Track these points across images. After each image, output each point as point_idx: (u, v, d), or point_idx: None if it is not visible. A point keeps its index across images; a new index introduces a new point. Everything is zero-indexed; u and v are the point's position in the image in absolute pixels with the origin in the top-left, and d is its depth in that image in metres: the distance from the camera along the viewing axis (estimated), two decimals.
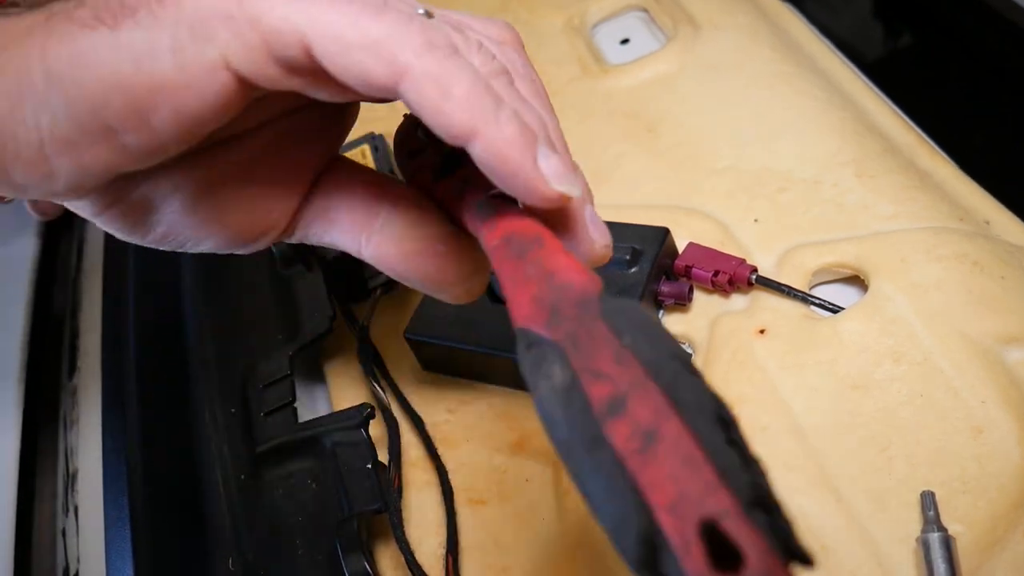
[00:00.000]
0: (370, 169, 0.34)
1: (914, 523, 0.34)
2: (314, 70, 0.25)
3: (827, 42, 0.58)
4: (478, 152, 0.25)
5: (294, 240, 0.33)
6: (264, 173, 0.32)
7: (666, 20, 0.61)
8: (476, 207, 0.28)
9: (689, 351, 0.42)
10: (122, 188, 0.30)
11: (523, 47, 0.32)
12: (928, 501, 0.33)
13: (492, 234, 0.27)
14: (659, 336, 0.22)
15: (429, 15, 0.28)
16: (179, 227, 0.31)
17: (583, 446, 0.21)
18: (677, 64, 0.57)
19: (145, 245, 0.32)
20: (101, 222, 0.31)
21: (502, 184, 0.26)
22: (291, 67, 0.25)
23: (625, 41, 0.62)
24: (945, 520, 0.33)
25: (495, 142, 0.25)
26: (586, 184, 0.30)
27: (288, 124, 0.32)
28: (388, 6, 0.25)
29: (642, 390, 0.21)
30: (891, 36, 0.66)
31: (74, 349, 0.56)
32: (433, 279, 0.32)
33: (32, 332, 0.56)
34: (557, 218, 0.29)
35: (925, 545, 0.32)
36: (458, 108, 0.25)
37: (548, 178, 0.26)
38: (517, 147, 0.25)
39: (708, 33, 0.58)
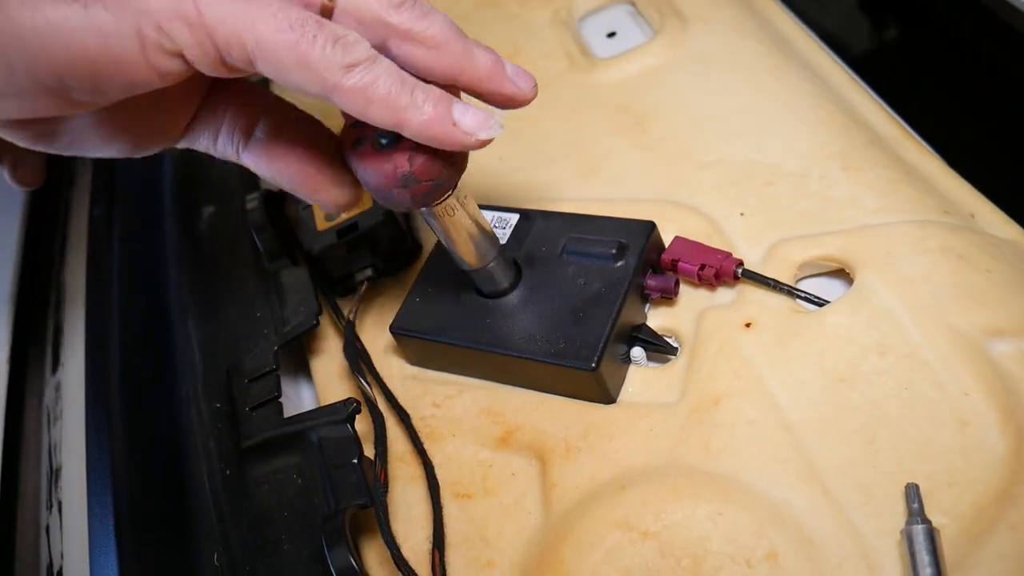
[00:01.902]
0: (256, 87, 0.38)
1: (899, 515, 0.34)
2: (255, 71, 0.31)
3: (813, 35, 0.58)
4: (409, 135, 0.32)
5: (181, 146, 0.37)
6: (164, 94, 0.35)
7: (653, 14, 0.60)
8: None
9: (675, 345, 0.42)
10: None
11: None
12: (913, 493, 0.33)
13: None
14: None
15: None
16: (83, 139, 0.36)
17: None
18: (664, 57, 0.57)
19: (48, 152, 0.36)
20: (6, 134, 0.34)
21: (439, 148, 0.33)
22: (236, 67, 0.30)
23: (612, 34, 0.62)
24: (930, 512, 0.33)
25: (418, 126, 0.32)
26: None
27: None
28: (321, 30, 0.30)
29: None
30: (877, 29, 0.66)
31: (58, 344, 0.56)
32: (301, 189, 0.37)
33: (15, 327, 0.55)
34: (489, 89, 0.35)
35: (909, 537, 0.32)
36: (381, 109, 0.31)
37: (471, 132, 0.32)
38: (436, 122, 0.32)
39: (695, 26, 0.58)
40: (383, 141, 0.34)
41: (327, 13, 0.32)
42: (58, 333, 0.56)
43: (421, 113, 0.31)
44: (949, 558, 0.32)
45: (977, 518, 0.33)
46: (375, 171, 0.34)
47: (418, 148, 0.33)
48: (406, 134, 0.32)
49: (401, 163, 0.33)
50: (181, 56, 0.30)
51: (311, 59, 0.30)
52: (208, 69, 0.30)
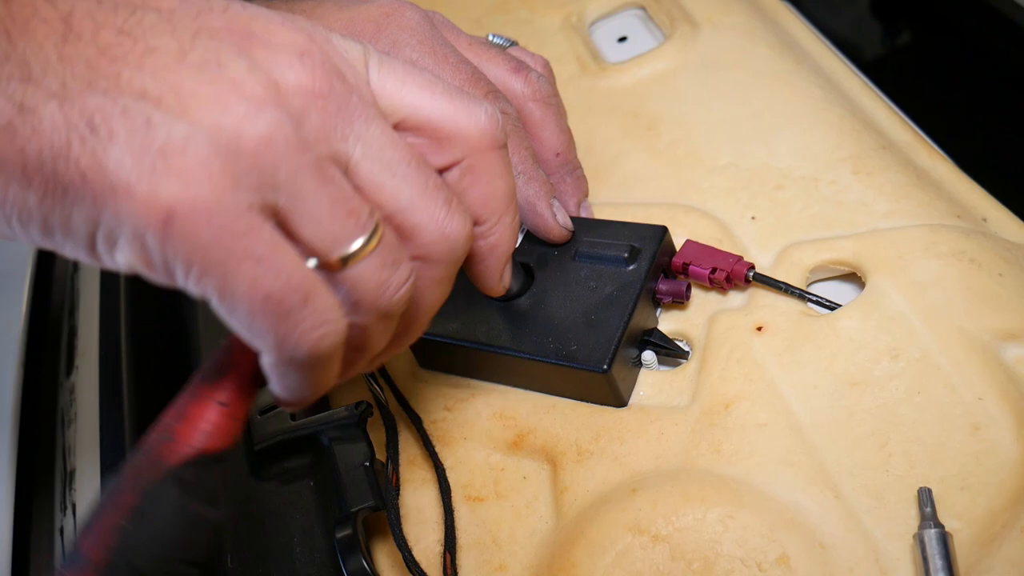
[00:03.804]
0: None
1: (912, 519, 0.34)
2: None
3: (825, 40, 0.58)
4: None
5: None
6: None
7: (663, 18, 0.61)
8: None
9: (687, 349, 0.42)
10: None
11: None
12: (925, 497, 0.33)
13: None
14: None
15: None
16: None
17: None
18: (675, 62, 0.57)
19: None
20: None
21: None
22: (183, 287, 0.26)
23: (623, 39, 0.62)
24: (942, 516, 0.33)
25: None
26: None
27: None
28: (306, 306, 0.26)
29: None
30: (889, 34, 0.66)
31: (72, 347, 0.56)
32: None
33: (30, 330, 0.56)
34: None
35: (922, 541, 0.32)
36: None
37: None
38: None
39: (706, 31, 0.58)
40: None
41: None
42: (72, 336, 0.57)
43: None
44: (962, 562, 0.32)
45: (990, 522, 0.33)
46: None
47: None
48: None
49: None
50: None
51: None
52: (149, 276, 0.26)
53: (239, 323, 0.26)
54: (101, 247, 0.25)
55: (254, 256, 0.25)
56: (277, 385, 0.29)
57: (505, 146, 0.32)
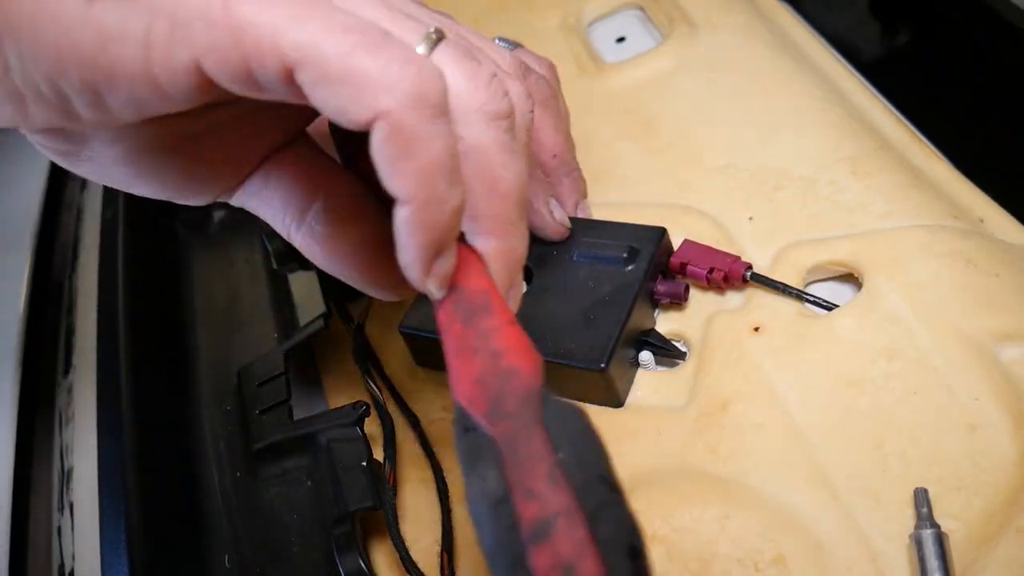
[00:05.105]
0: (320, 155, 0.33)
1: (908, 520, 0.34)
2: (289, 88, 0.24)
3: (823, 41, 0.58)
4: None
5: (234, 202, 0.33)
6: (209, 148, 0.30)
7: (662, 18, 0.61)
8: None
9: (684, 349, 0.42)
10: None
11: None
12: (922, 498, 0.33)
13: None
14: (592, 453, 0.24)
15: (439, 36, 0.27)
16: (108, 171, 0.30)
17: (505, 563, 0.22)
18: (674, 62, 0.57)
19: (85, 177, 0.31)
20: (29, 137, 0.30)
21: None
22: (265, 84, 0.24)
23: (621, 39, 0.62)
24: (939, 517, 0.33)
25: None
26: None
27: (244, 108, 0.30)
28: (387, 39, 0.23)
29: (568, 520, 0.22)
30: (888, 35, 0.66)
31: (69, 347, 0.56)
32: (357, 280, 0.32)
33: (27, 329, 0.56)
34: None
35: (918, 542, 0.32)
36: (411, 178, 0.24)
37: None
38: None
39: (704, 31, 0.58)
40: None
41: None
42: (70, 336, 0.57)
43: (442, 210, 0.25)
44: (958, 563, 0.32)
45: (986, 522, 0.33)
46: None
47: None
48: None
49: None
50: (196, 69, 0.24)
51: (369, 69, 0.23)
52: (231, 83, 0.24)
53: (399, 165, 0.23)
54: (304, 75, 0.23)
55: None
56: (407, 243, 0.25)
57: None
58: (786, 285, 0.41)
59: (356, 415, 0.42)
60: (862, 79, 0.54)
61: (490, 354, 0.26)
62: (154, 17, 0.23)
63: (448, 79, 0.26)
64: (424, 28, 0.27)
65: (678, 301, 0.43)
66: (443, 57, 0.27)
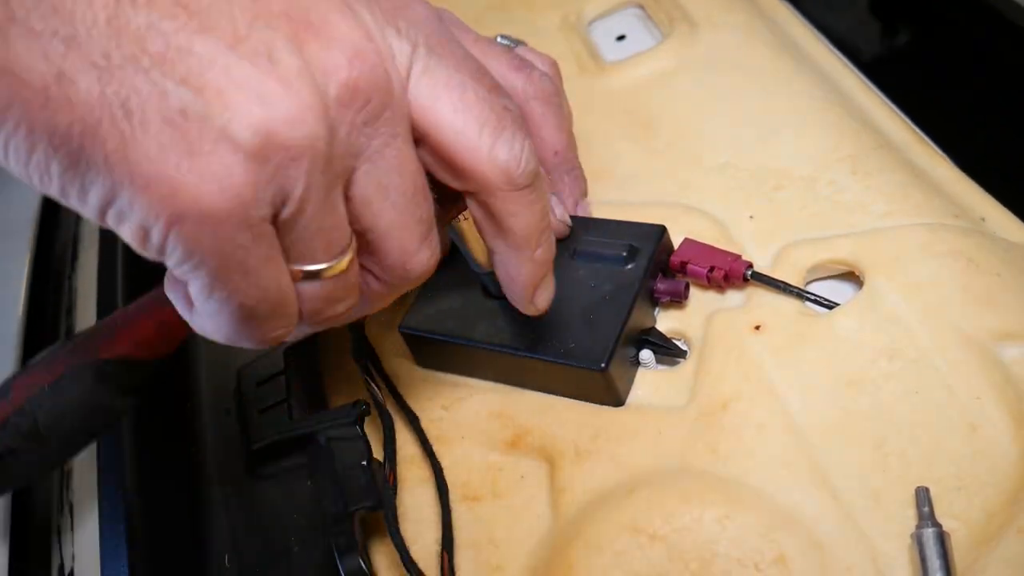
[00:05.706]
0: None
1: (909, 519, 0.34)
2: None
3: (824, 40, 0.58)
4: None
5: None
6: None
7: (662, 17, 0.61)
8: None
9: (684, 348, 0.42)
10: None
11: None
12: (923, 497, 0.33)
13: None
14: None
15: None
16: None
17: None
18: (674, 61, 0.57)
19: None
20: None
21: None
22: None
23: (621, 38, 0.62)
24: (940, 516, 0.33)
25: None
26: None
27: None
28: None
29: None
30: (888, 34, 0.66)
31: None
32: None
33: (27, 330, 0.56)
34: None
35: (919, 541, 0.32)
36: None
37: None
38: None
39: (705, 30, 0.58)
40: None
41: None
42: (70, 335, 0.57)
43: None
44: (959, 562, 0.32)
45: (988, 522, 0.33)
46: None
47: None
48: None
49: None
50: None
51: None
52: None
53: (205, 309, 0.27)
54: (111, 220, 0.25)
55: (245, 268, 0.25)
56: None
57: (528, 186, 0.32)
58: (787, 284, 0.41)
59: (356, 414, 0.42)
60: (863, 78, 0.54)
61: None
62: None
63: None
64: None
65: (678, 300, 0.43)
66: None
